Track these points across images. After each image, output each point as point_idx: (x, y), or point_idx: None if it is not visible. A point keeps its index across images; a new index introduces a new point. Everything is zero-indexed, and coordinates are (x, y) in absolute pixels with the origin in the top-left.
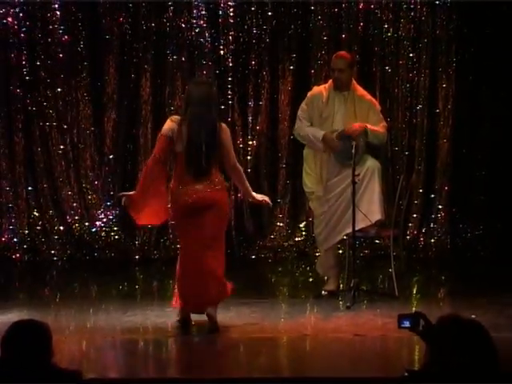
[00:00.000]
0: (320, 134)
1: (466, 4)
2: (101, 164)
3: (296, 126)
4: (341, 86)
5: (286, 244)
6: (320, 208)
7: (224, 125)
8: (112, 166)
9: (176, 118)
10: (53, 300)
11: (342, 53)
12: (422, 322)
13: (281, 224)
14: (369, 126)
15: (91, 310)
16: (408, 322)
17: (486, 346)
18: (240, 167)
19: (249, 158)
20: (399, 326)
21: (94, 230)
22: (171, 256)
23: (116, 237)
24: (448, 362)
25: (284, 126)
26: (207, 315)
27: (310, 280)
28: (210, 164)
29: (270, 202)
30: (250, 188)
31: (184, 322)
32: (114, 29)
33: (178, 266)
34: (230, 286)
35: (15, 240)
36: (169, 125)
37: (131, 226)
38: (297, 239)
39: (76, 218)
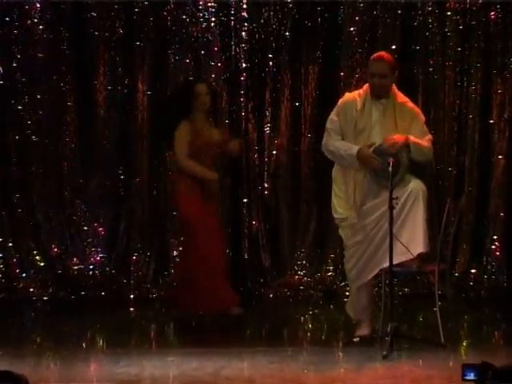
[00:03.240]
0: (354, 149)
1: None
2: (88, 186)
3: (324, 141)
4: (380, 94)
5: (310, 280)
6: (353, 237)
7: None
8: (102, 189)
9: None
10: (32, 347)
11: (383, 54)
12: (489, 375)
13: (304, 257)
14: (411, 138)
15: (78, 359)
16: (473, 374)
17: None
18: None
19: (266, 177)
20: (463, 378)
21: (80, 264)
22: (176, 294)
23: (107, 272)
24: None
25: (308, 139)
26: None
27: (339, 324)
28: None
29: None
30: None
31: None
32: (104, 24)
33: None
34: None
35: None
36: None
37: (125, 259)
38: (323, 275)
39: (59, 249)
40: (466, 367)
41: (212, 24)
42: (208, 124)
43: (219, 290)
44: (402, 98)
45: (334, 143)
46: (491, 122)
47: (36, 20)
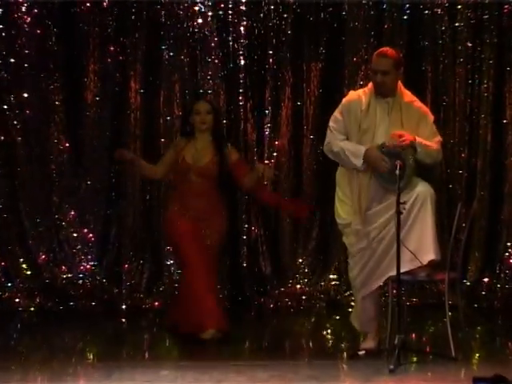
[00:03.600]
0: (361, 149)
1: None
2: (78, 190)
3: (327, 141)
4: (384, 92)
5: (312, 290)
6: (357, 244)
7: None
8: (92, 193)
9: None
10: (18, 361)
11: (386, 50)
12: None
13: (306, 265)
14: (418, 139)
15: (66, 374)
16: None
17: None
18: None
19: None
20: None
21: (69, 272)
22: (167, 305)
23: (97, 281)
24: None
25: (310, 140)
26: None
27: (344, 336)
28: None
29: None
30: None
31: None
32: (94, 18)
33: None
34: None
35: None
36: None
37: (116, 267)
38: (326, 284)
39: (47, 257)
40: (477, 380)
41: (209, 18)
42: (210, 147)
43: (197, 311)
44: (408, 96)
45: (339, 143)
46: (504, 121)
47: (22, 14)
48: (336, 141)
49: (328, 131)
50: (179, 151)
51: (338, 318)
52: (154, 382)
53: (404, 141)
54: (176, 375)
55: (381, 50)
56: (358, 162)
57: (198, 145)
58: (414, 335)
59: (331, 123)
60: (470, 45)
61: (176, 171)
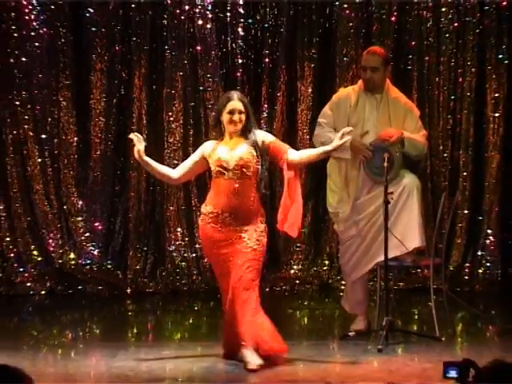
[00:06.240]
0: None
1: None
2: (86, 181)
3: (316, 132)
4: (373, 88)
5: (305, 275)
6: (347, 232)
7: None
8: (99, 184)
9: None
10: (29, 341)
11: (375, 48)
12: (472, 372)
13: (299, 251)
14: (405, 133)
15: (74, 354)
16: (455, 372)
17: None
18: None
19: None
20: (444, 376)
21: (77, 258)
22: (170, 289)
23: (104, 267)
24: None
25: (304, 135)
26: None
27: (335, 318)
28: None
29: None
30: None
31: None
32: (101, 20)
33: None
34: None
35: None
36: None
37: (121, 253)
38: (319, 269)
39: (56, 244)
40: (448, 365)
41: (208, 20)
42: (243, 142)
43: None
44: (395, 92)
45: (327, 134)
46: (485, 117)
47: (33, 16)
48: (325, 133)
49: (317, 125)
50: (208, 154)
51: (329, 301)
52: (157, 362)
53: (393, 140)
54: (177, 354)
55: (371, 48)
56: (346, 151)
57: (230, 144)
58: (400, 317)
59: (321, 119)
60: (453, 43)
61: (211, 171)
